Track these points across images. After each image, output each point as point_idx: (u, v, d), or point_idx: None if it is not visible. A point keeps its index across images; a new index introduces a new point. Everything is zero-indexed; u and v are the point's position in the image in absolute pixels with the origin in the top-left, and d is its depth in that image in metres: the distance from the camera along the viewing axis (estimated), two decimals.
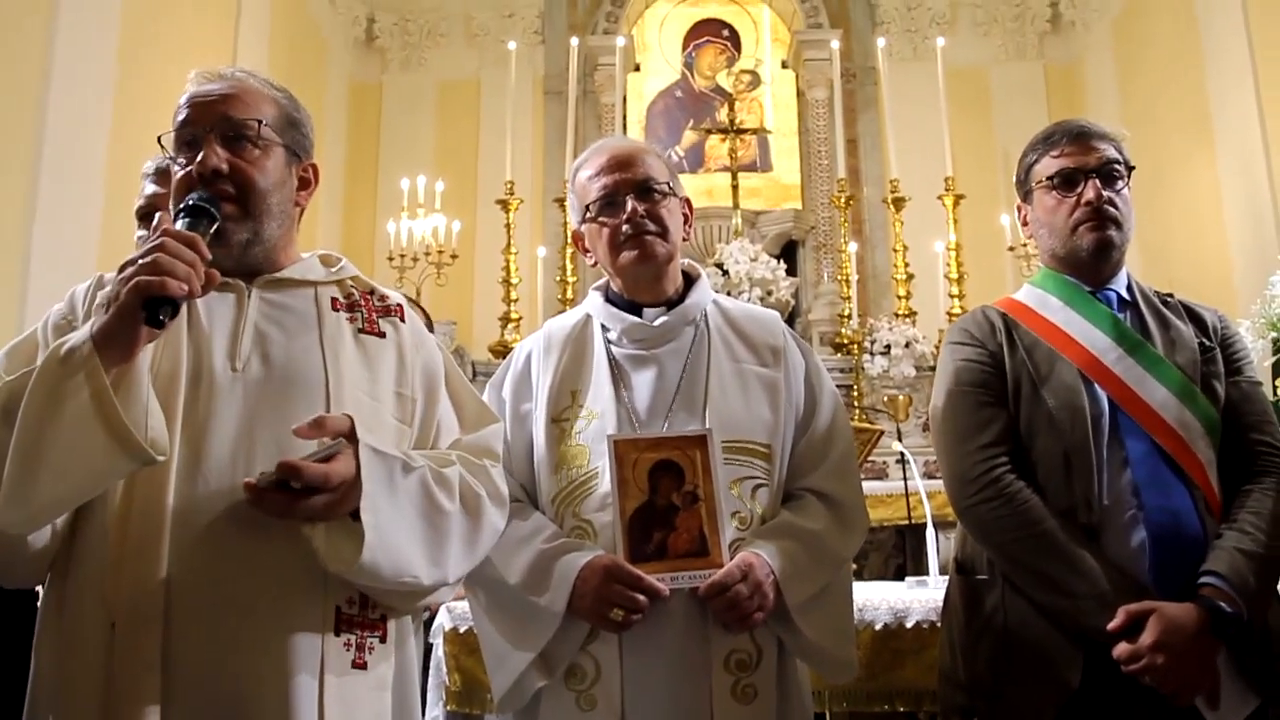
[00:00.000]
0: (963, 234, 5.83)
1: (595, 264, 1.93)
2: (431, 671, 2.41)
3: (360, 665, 1.35)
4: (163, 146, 1.48)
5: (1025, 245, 6.06)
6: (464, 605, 2.28)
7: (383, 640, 1.38)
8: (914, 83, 6.68)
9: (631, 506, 1.69)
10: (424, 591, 1.41)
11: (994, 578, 1.84)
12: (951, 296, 5.65)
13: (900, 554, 5.31)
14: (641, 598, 1.63)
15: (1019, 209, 2.05)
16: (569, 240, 5.78)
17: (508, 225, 5.97)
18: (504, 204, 5.97)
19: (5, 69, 3.80)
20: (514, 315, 5.92)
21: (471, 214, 6.84)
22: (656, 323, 1.86)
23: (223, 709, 1.24)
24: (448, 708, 2.37)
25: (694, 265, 1.97)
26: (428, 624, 2.48)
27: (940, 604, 2.06)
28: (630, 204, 1.82)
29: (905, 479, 3.80)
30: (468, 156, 7.21)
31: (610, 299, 1.92)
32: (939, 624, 2.12)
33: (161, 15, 4.89)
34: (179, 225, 1.31)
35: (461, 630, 2.36)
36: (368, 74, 7.60)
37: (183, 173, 1.42)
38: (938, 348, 5.27)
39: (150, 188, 2.04)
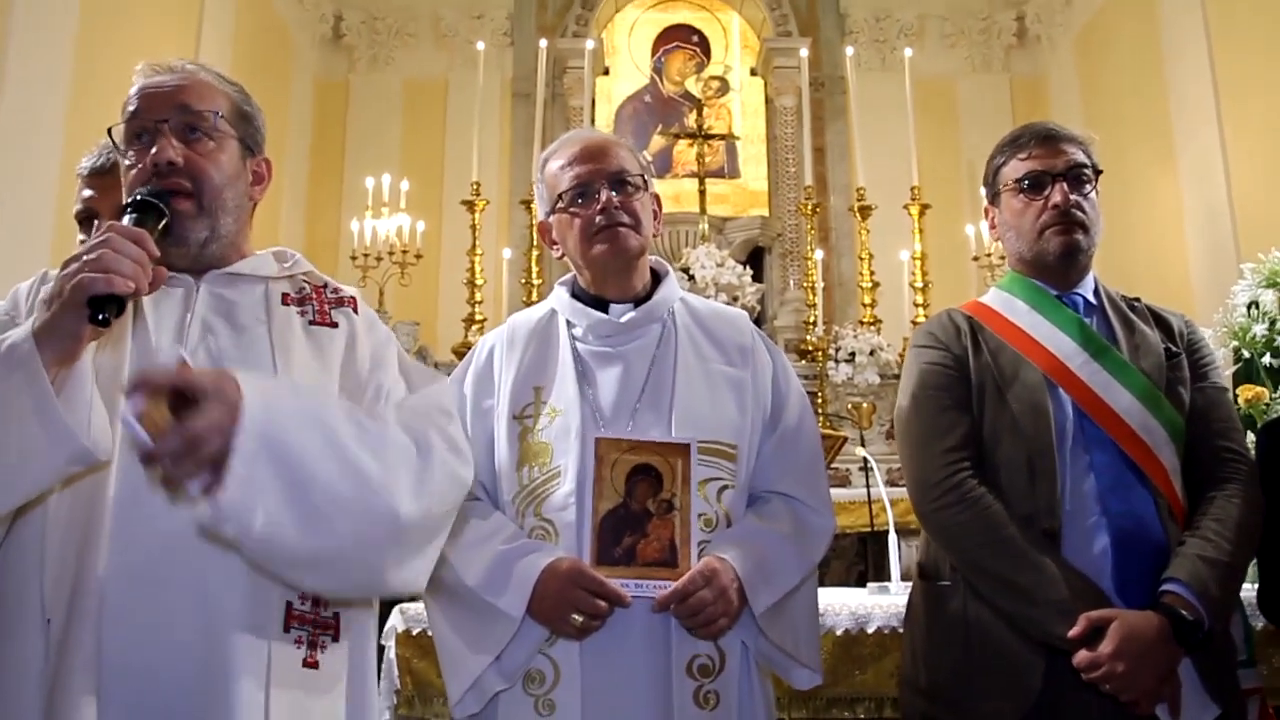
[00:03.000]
0: (928, 243, 5.86)
1: (561, 256, 1.89)
2: (382, 675, 2.35)
3: (311, 664, 1.31)
4: (113, 140, 1.44)
5: (989, 255, 6.11)
6: (417, 607, 2.24)
7: (335, 639, 1.34)
8: (882, 92, 6.72)
9: (605, 507, 1.67)
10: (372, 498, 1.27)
11: (956, 583, 1.82)
12: (916, 305, 5.69)
13: (862, 561, 5.31)
14: (603, 604, 1.60)
15: (986, 212, 2.04)
16: (535, 242, 5.75)
17: (473, 226, 5.92)
18: (469, 205, 5.93)
19: None
20: (478, 316, 5.87)
21: (437, 214, 6.78)
22: (624, 319, 1.83)
23: (161, 708, 1.20)
24: (399, 712, 2.33)
25: (661, 262, 1.94)
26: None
27: (902, 610, 2.05)
28: (604, 195, 1.78)
29: (868, 486, 3.80)
30: (434, 156, 7.15)
31: (576, 294, 1.89)
32: (900, 630, 2.11)
33: (121, 9, 4.80)
34: (126, 221, 1.27)
35: (414, 632, 2.32)
36: (334, 72, 7.52)
37: (135, 166, 1.38)
38: (902, 355, 5.28)
39: (86, 191, 1.94)
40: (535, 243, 5.77)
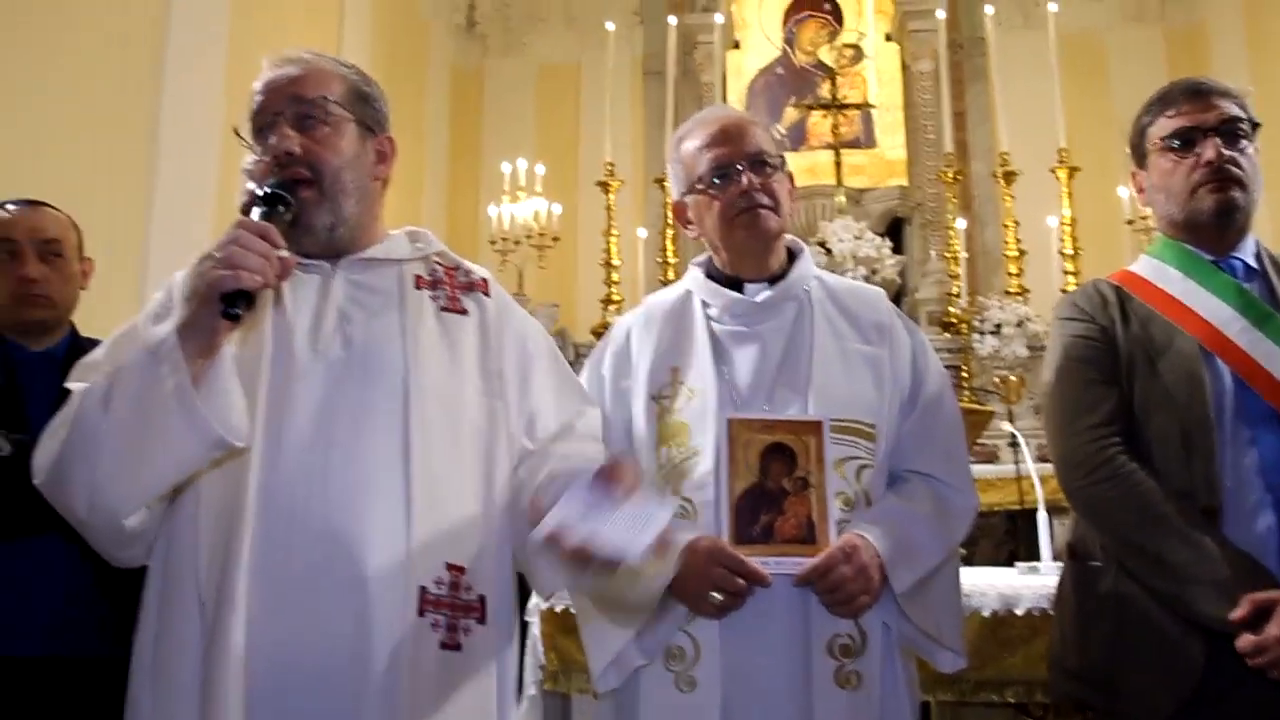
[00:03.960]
0: (1077, 208, 5.59)
1: (697, 236, 1.90)
2: (527, 650, 2.43)
3: (452, 646, 1.34)
4: (239, 136, 1.49)
5: (1145, 218, 5.79)
6: None
7: (480, 621, 1.38)
8: (1024, 51, 6.43)
9: (741, 487, 1.67)
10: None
11: (1107, 564, 1.76)
12: (1066, 273, 5.44)
13: (1012, 540, 5.16)
14: (742, 582, 1.61)
15: (1134, 176, 1.93)
16: (670, 221, 5.76)
17: (608, 207, 5.99)
18: (604, 186, 5.98)
19: (120, 67, 3.95)
20: (615, 297, 5.94)
21: (573, 196, 6.87)
22: (759, 298, 1.82)
23: (304, 691, 1.25)
24: (544, 686, 2.39)
25: (796, 240, 1.92)
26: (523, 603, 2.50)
27: (1051, 590, 1.99)
28: (745, 176, 1.78)
29: (1017, 462, 3.67)
30: (568, 139, 7.24)
31: (711, 274, 1.89)
32: (1051, 612, 2.04)
33: (269, 6, 5.03)
34: (255, 215, 1.32)
35: (558, 609, 2.36)
36: (469, 60, 7.69)
37: (259, 160, 1.44)
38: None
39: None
40: (670, 221, 5.78)
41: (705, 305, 1.86)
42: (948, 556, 1.76)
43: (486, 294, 1.57)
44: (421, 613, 1.32)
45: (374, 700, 1.26)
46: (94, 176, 3.64)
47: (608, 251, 5.98)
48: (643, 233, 6.59)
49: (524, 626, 2.47)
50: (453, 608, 1.35)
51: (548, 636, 2.41)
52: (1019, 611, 2.29)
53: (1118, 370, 1.77)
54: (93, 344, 2.15)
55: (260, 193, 1.36)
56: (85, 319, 2.21)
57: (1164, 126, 1.82)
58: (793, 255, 1.89)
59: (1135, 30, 7.09)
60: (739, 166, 1.78)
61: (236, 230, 1.25)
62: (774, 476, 1.68)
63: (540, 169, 6.42)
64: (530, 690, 2.40)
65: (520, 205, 6.34)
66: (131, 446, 1.22)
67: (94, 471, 1.23)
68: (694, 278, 1.91)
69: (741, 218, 1.79)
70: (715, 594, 1.61)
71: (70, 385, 1.35)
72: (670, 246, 5.99)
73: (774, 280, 1.85)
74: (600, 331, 5.79)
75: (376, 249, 1.52)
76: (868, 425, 1.74)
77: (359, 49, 5.86)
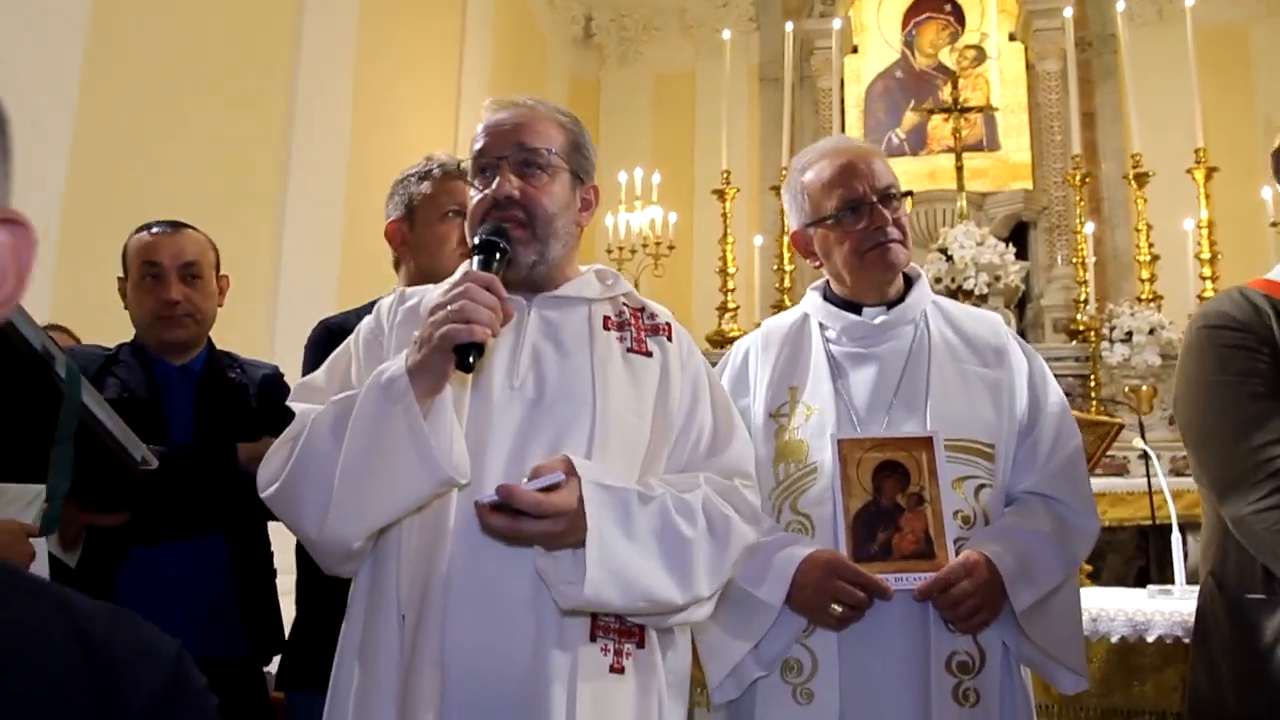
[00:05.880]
0: (1216, 210, 5.36)
1: (818, 266, 1.92)
2: None
3: (618, 670, 1.41)
4: (465, 179, 1.60)
5: None
6: None
7: (640, 645, 1.44)
8: (1158, 47, 6.21)
9: (855, 506, 1.69)
10: (675, 609, 1.42)
11: (1276, 597, 1.59)
12: (1203, 278, 5.22)
13: (1143, 556, 4.97)
14: (862, 594, 1.62)
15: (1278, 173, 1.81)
16: (786, 227, 5.73)
17: (724, 215, 6.01)
18: (720, 194, 6.00)
19: (255, 78, 4.15)
20: (731, 305, 5.95)
21: (689, 204, 6.92)
22: (876, 320, 1.85)
23: (491, 705, 1.33)
24: None
25: (914, 266, 1.94)
26: None
27: (1185, 618, 1.89)
28: (876, 212, 1.81)
29: (1149, 476, 3.54)
30: (684, 148, 7.29)
31: (828, 298, 1.92)
32: (1186, 640, 1.94)
33: (394, 19, 5.23)
34: (475, 263, 1.42)
35: None
36: (586, 70, 7.82)
37: (480, 197, 1.53)
38: None
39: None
40: (786, 228, 5.75)
41: (823, 328, 1.90)
42: (1068, 577, 1.73)
43: (669, 339, 1.63)
44: (593, 638, 1.40)
45: (551, 715, 1.33)
46: (231, 198, 3.84)
47: (724, 259, 6.00)
48: (759, 240, 6.58)
49: None
50: (619, 634, 1.42)
51: None
52: (1149, 638, 2.21)
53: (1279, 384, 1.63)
54: (230, 357, 2.28)
55: (477, 240, 1.46)
56: (222, 332, 2.35)
57: None
58: (909, 280, 1.91)
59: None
60: (869, 202, 1.80)
61: (466, 284, 1.33)
62: (888, 494, 1.69)
63: (656, 178, 6.48)
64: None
65: (637, 214, 6.41)
66: (365, 478, 1.33)
67: (326, 497, 1.34)
68: (812, 302, 1.95)
69: (873, 253, 1.81)
70: (835, 606, 1.62)
71: (293, 405, 1.47)
72: (786, 254, 5.97)
73: (891, 305, 1.87)
74: (716, 339, 5.81)
75: (568, 286, 1.59)
76: (986, 445, 1.74)
77: (480, 63, 6.04)
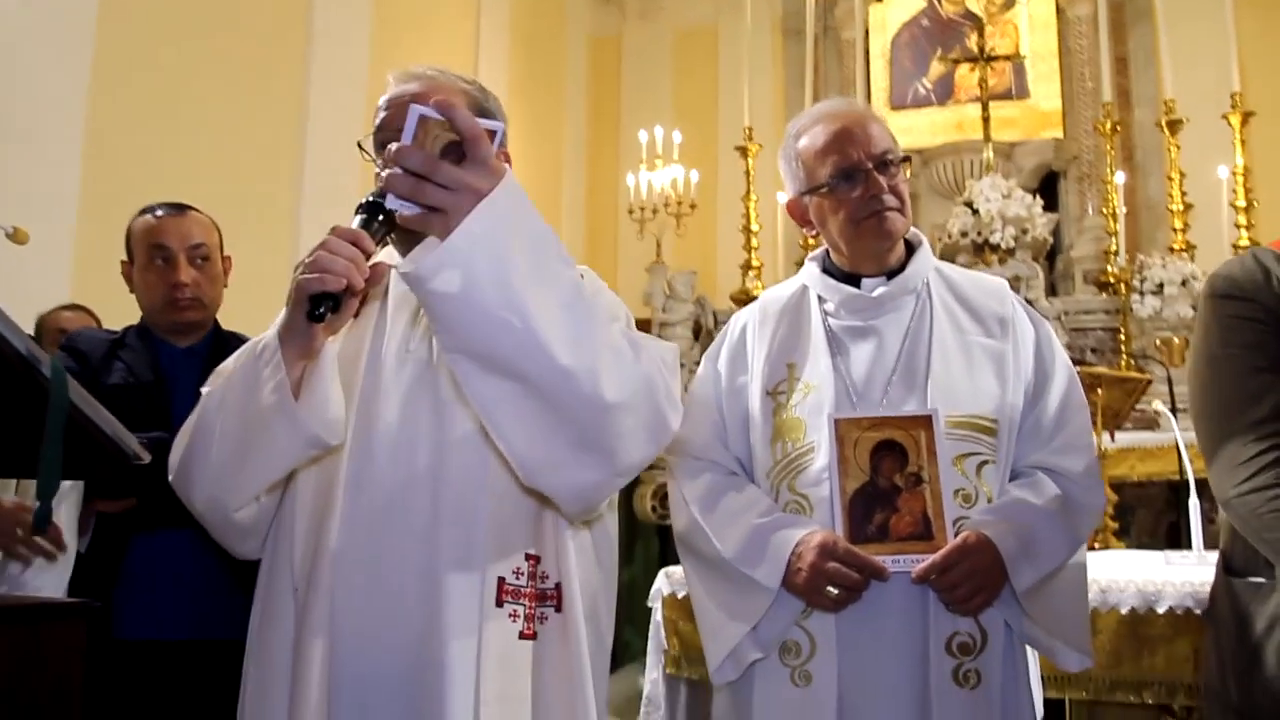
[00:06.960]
0: (1252, 156, 5.23)
1: (815, 235, 1.87)
2: (650, 635, 2.48)
3: (529, 635, 1.37)
4: (363, 150, 1.53)
5: None
6: (682, 571, 2.32)
7: (558, 609, 1.39)
8: None
9: (852, 486, 1.66)
10: (554, 367, 1.13)
11: (1274, 581, 1.53)
12: (1238, 227, 5.11)
13: (1173, 511, 4.90)
14: (858, 576, 1.60)
15: None
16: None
17: (747, 172, 5.94)
18: (743, 150, 5.93)
19: (267, 56, 4.14)
20: (755, 262, 5.90)
21: (711, 162, 6.84)
22: (875, 293, 1.80)
23: (383, 676, 1.31)
24: (666, 671, 2.44)
25: (916, 232, 1.88)
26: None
27: (1198, 589, 1.86)
28: (872, 179, 1.75)
29: (1177, 432, 3.47)
30: (706, 104, 7.20)
31: (827, 269, 1.87)
32: (1196, 611, 1.92)
33: None
34: (355, 222, 1.34)
35: (680, 595, 2.41)
36: (606, 27, 7.72)
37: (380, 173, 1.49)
38: None
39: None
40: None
41: (822, 300, 1.85)
42: (1073, 554, 1.70)
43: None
44: (500, 603, 1.36)
45: (451, 690, 1.30)
46: (248, 176, 3.85)
47: (747, 217, 5.94)
48: (782, 197, 6.47)
49: (648, 612, 2.53)
50: (531, 597, 1.38)
51: (670, 622, 2.45)
52: (1160, 610, 2.17)
53: None
54: (236, 338, 2.30)
55: (362, 200, 1.40)
56: (237, 316, 2.36)
57: None
58: (911, 248, 1.85)
59: None
60: (865, 169, 1.75)
61: (327, 236, 1.31)
62: (885, 474, 1.66)
63: (678, 136, 6.41)
64: (654, 675, 2.45)
65: (658, 173, 6.36)
66: (238, 444, 1.33)
67: (207, 468, 1.35)
68: (810, 273, 1.90)
69: (869, 221, 1.76)
70: (831, 588, 1.61)
71: (204, 389, 1.47)
72: None
73: (892, 275, 1.81)
74: (740, 298, 5.77)
75: None
76: (989, 420, 1.70)
77: (498, 21, 5.98)
